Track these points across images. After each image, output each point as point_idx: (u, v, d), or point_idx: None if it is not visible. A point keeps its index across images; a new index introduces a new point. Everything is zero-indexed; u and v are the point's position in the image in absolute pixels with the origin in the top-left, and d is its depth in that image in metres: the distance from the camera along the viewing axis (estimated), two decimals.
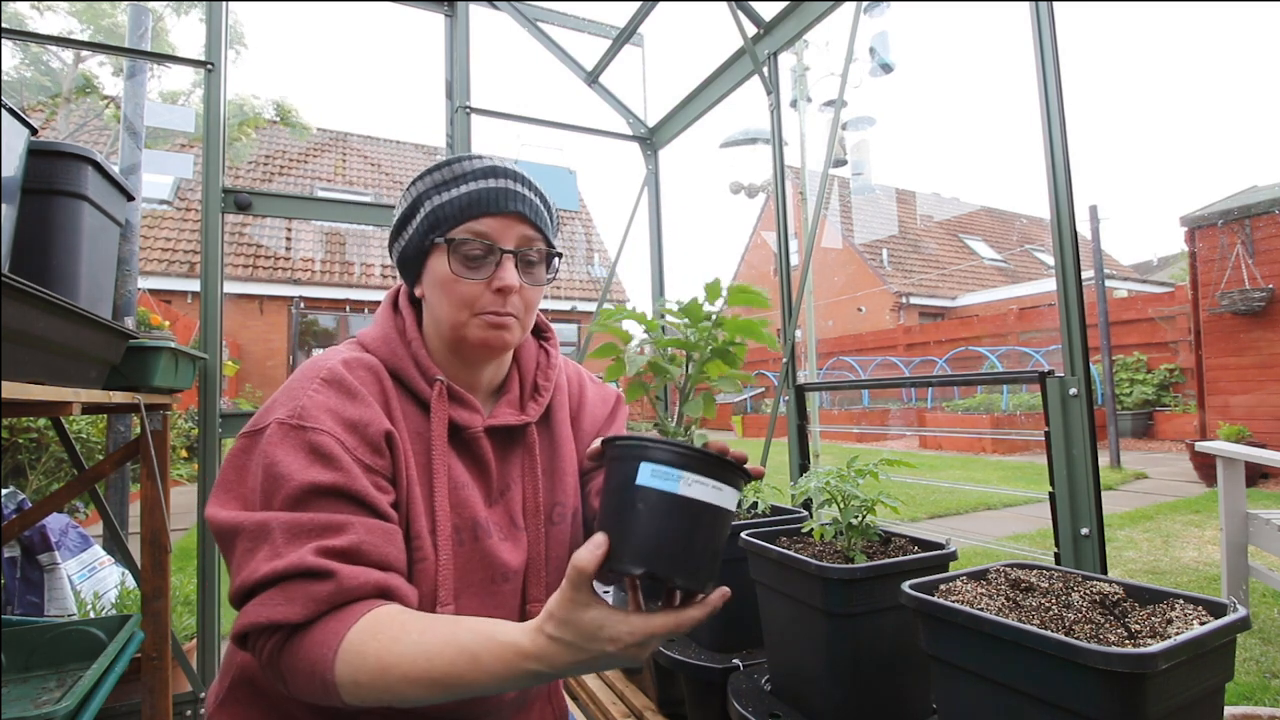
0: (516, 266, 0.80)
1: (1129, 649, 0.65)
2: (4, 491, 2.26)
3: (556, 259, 0.85)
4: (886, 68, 6.23)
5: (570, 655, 0.57)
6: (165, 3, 7.39)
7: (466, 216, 0.78)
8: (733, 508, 0.59)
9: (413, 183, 0.83)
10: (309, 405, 0.71)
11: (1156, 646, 0.64)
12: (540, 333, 0.95)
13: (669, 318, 0.65)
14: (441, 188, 0.80)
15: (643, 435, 0.61)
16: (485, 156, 0.82)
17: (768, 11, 2.25)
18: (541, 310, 0.88)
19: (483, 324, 0.79)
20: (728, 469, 0.57)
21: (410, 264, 0.83)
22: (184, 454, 6.77)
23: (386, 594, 0.67)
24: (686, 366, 0.65)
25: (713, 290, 0.61)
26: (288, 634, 0.63)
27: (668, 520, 0.56)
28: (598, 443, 0.66)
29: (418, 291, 0.84)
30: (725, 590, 0.59)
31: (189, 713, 1.92)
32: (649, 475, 0.56)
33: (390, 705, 0.62)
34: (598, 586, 0.60)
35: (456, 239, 0.78)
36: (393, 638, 0.61)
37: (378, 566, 0.68)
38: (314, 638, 0.62)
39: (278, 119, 9.16)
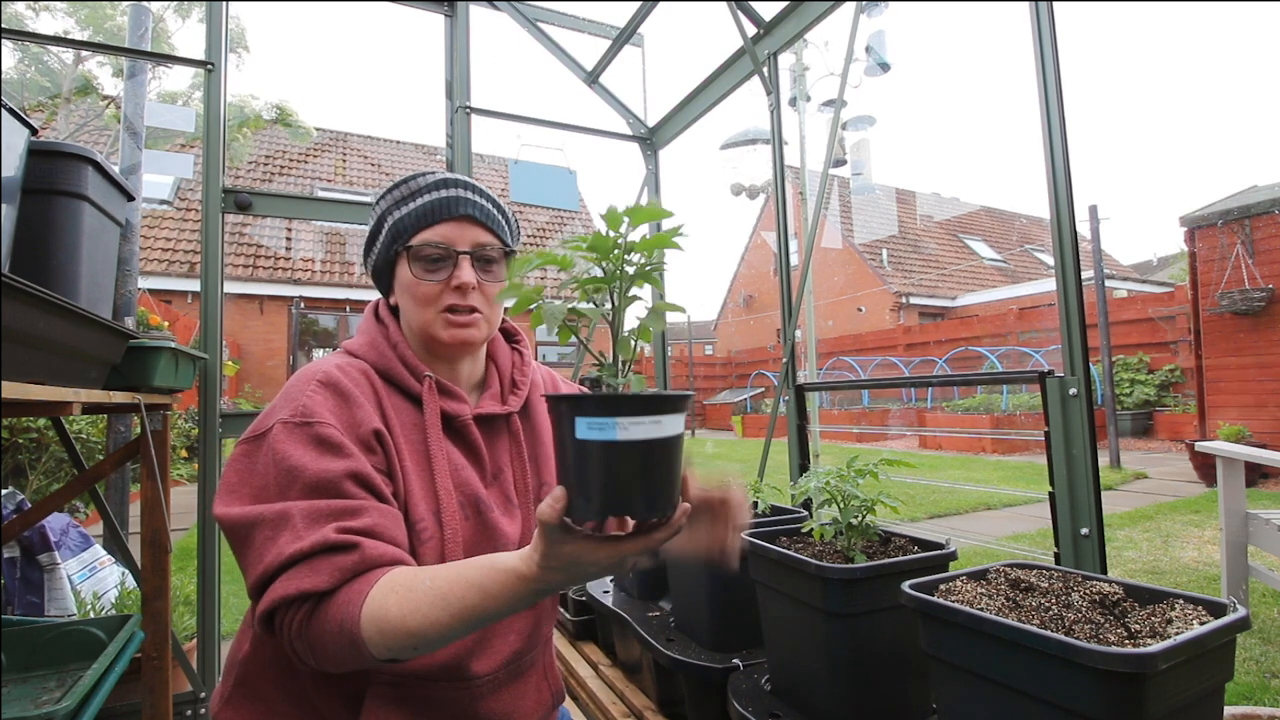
0: (474, 265, 0.88)
1: (1129, 649, 0.65)
2: (3, 492, 2.25)
3: (513, 256, 0.93)
4: (884, 66, 6.22)
5: (561, 577, 0.63)
6: (167, 2, 7.39)
7: (423, 225, 0.87)
8: (678, 432, 0.61)
9: (375, 202, 0.92)
10: (309, 404, 0.76)
11: (1156, 646, 0.64)
12: (512, 338, 1.04)
13: (580, 256, 0.66)
14: (400, 203, 0.89)
15: (576, 391, 0.62)
16: (438, 171, 0.91)
17: (768, 11, 2.25)
18: None
19: (446, 322, 0.87)
20: (660, 402, 0.59)
21: (381, 276, 0.92)
22: (184, 454, 6.77)
23: (401, 565, 0.72)
24: (613, 299, 0.66)
25: (613, 218, 0.62)
26: (315, 603, 0.68)
27: (613, 467, 0.58)
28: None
29: (392, 301, 0.93)
30: (686, 507, 0.63)
31: (189, 713, 1.92)
32: (585, 429, 0.58)
33: (415, 649, 0.67)
34: None
35: (415, 245, 0.86)
36: (408, 587, 0.67)
37: (391, 544, 0.73)
38: (339, 601, 0.67)
39: (278, 122, 9.16)
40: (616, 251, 0.63)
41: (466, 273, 0.86)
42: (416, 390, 0.86)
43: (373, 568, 0.70)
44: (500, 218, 0.92)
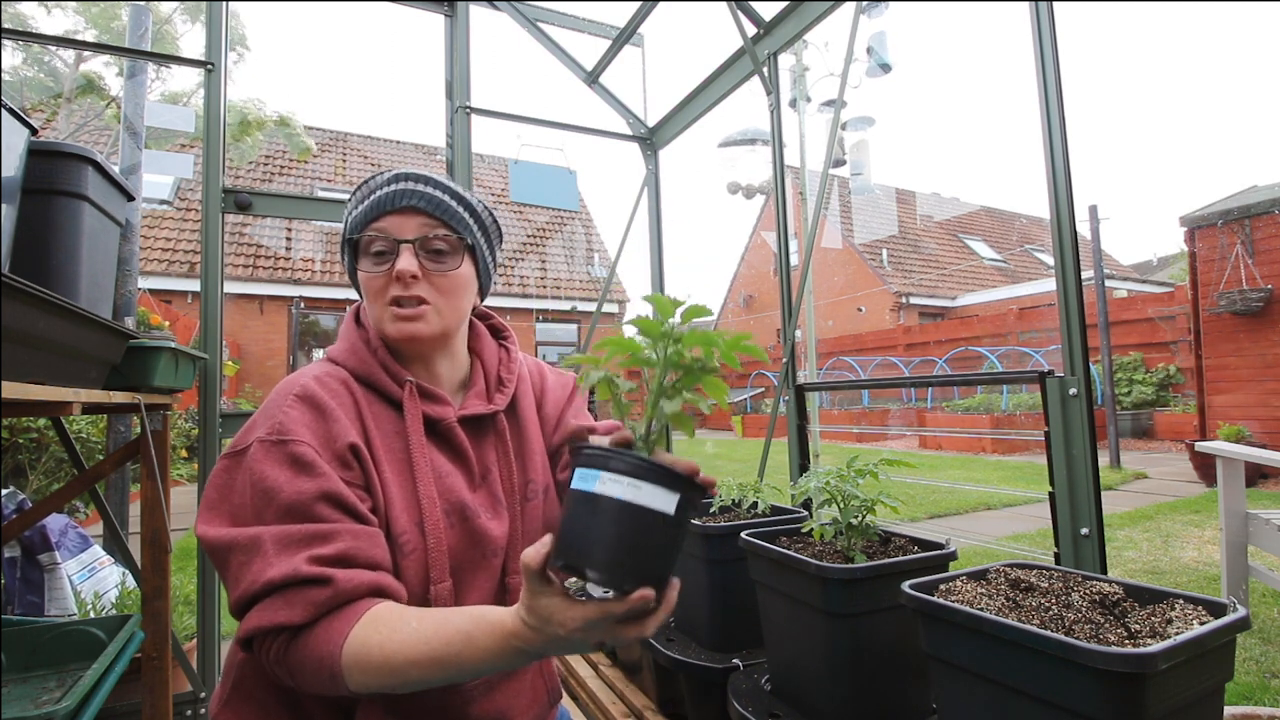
0: (420, 256, 0.85)
1: (1129, 649, 0.65)
2: (4, 492, 2.25)
3: (475, 250, 0.91)
4: (885, 67, 6.22)
5: (537, 636, 0.62)
6: (174, 3, 7.40)
7: (369, 219, 0.86)
8: (658, 508, 0.59)
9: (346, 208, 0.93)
10: (286, 421, 0.76)
11: (1156, 646, 0.64)
12: (499, 334, 1.03)
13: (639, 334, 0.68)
14: (356, 205, 0.89)
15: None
16: (395, 170, 0.89)
17: (768, 11, 2.25)
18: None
19: (393, 316, 0.85)
20: (649, 470, 0.58)
21: (352, 279, 0.91)
22: (184, 454, 6.77)
23: (380, 592, 0.72)
24: (650, 381, 0.67)
25: (663, 306, 0.63)
26: (292, 635, 0.68)
27: (582, 516, 0.59)
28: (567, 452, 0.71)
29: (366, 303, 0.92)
30: (647, 593, 0.58)
31: (189, 713, 1.92)
32: (577, 478, 0.60)
33: (394, 690, 0.67)
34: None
35: (361, 238, 0.86)
36: (392, 628, 0.67)
37: (367, 568, 0.73)
38: (318, 636, 0.67)
39: (279, 125, 9.18)
40: (664, 338, 0.63)
41: (404, 260, 0.83)
42: (398, 395, 0.85)
43: (349, 600, 0.69)
44: (457, 208, 0.89)
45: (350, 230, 0.88)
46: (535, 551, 0.61)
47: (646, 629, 0.61)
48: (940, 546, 1.09)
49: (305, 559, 0.68)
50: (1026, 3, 1.41)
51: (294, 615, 0.67)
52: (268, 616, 0.67)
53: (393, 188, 0.87)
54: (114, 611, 2.18)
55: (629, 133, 3.13)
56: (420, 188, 0.87)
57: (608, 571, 0.58)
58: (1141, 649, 0.64)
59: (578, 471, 0.60)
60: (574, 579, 0.63)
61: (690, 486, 0.60)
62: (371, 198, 0.87)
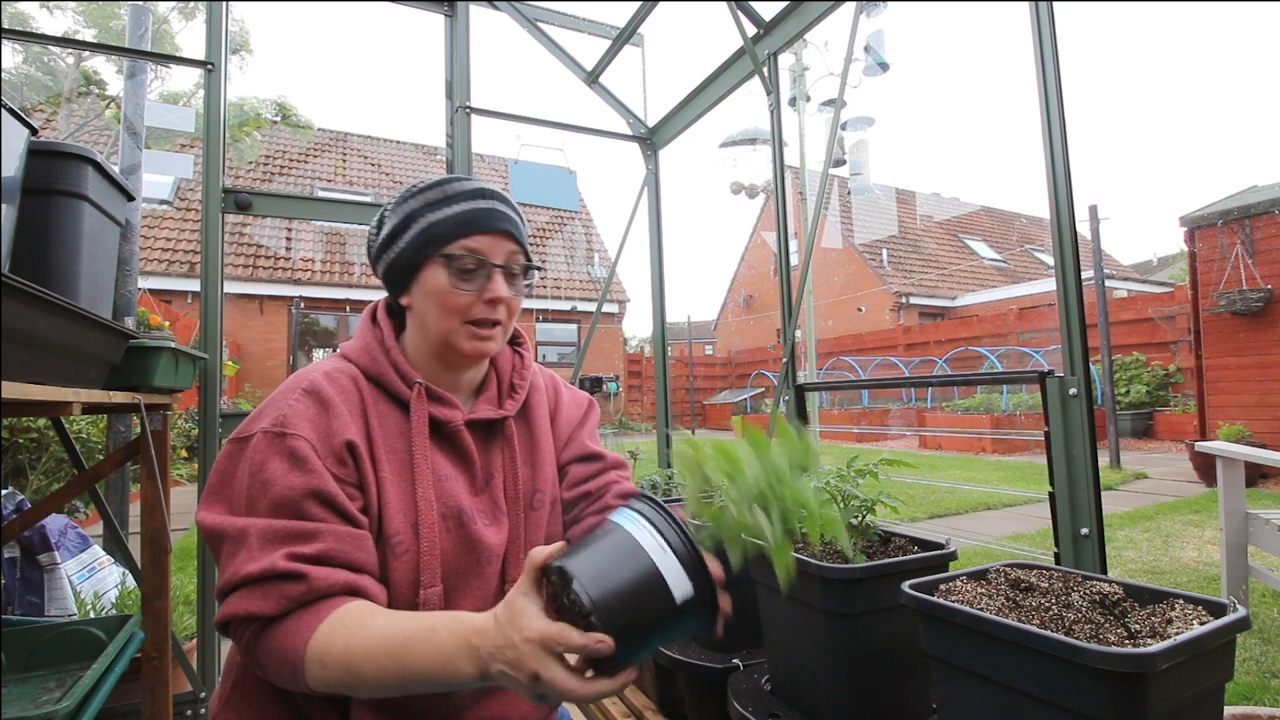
0: (505, 279, 0.88)
1: (1129, 649, 0.65)
2: (4, 492, 2.25)
3: (535, 272, 0.94)
4: (883, 66, 6.24)
5: (496, 635, 0.62)
6: (172, 2, 7.40)
7: (460, 234, 0.85)
8: (669, 583, 0.61)
9: (404, 199, 0.89)
10: (290, 414, 0.77)
11: (1156, 646, 0.64)
12: (514, 339, 1.03)
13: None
14: (434, 206, 0.86)
15: (653, 497, 0.68)
16: (472, 179, 0.90)
17: (768, 11, 2.25)
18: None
19: (470, 333, 0.86)
20: (684, 548, 0.63)
21: (400, 275, 0.88)
22: (184, 454, 6.77)
23: (356, 593, 0.74)
24: (747, 499, 0.70)
25: (794, 448, 0.69)
26: (263, 625, 0.70)
27: (605, 545, 0.63)
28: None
29: (404, 301, 0.90)
30: (606, 639, 0.59)
31: (189, 713, 1.92)
32: (621, 513, 0.65)
33: (351, 689, 0.67)
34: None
35: (453, 254, 0.84)
36: (359, 623, 0.68)
37: (346, 569, 0.74)
38: (287, 629, 0.69)
39: (279, 119, 9.19)
40: (774, 479, 0.68)
41: (502, 287, 0.86)
42: (406, 396, 0.85)
43: (321, 597, 0.71)
44: (524, 229, 0.92)
45: (434, 239, 0.84)
46: (542, 550, 0.64)
47: (582, 691, 0.62)
48: (940, 546, 1.09)
49: (283, 555, 0.70)
50: (1026, 2, 1.41)
51: (266, 606, 0.69)
52: (242, 605, 0.69)
53: (484, 204, 0.87)
54: (114, 611, 2.18)
55: (629, 133, 3.12)
56: (508, 211, 0.89)
57: (597, 600, 0.60)
58: (1141, 649, 0.64)
59: (627, 510, 0.64)
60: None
61: (706, 587, 0.63)
62: (457, 208, 0.85)
